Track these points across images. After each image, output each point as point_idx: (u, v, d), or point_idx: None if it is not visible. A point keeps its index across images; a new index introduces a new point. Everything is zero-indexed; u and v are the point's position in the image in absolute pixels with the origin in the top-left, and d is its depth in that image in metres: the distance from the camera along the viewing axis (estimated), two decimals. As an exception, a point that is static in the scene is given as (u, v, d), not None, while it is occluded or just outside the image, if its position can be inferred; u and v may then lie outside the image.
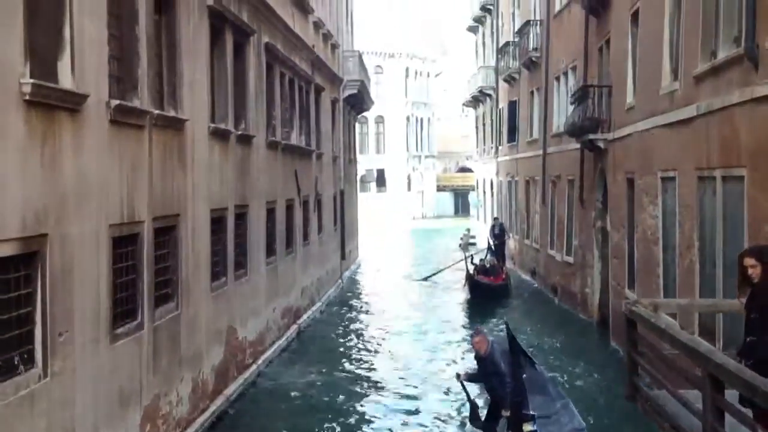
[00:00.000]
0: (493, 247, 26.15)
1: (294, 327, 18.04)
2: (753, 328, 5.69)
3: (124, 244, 8.93)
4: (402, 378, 14.52)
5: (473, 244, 37.17)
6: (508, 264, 27.38)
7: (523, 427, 9.10)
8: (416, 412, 12.49)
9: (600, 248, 18.14)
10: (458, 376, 10.09)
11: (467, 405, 10.26)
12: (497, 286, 22.96)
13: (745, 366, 5.53)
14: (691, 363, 6.59)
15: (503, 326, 11.80)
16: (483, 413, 9.78)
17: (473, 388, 10.65)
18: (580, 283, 19.78)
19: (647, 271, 13.51)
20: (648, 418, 7.57)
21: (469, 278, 21.91)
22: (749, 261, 5.87)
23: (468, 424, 10.25)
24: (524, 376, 9.75)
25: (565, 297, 21.33)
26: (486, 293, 21.90)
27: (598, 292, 18.20)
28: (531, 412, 9.28)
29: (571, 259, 20.80)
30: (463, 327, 19.16)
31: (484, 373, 9.49)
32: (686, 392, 6.63)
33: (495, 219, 30.49)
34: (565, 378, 14.13)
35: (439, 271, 27.71)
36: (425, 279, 27.07)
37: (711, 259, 10.19)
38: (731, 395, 5.72)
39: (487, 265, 23.72)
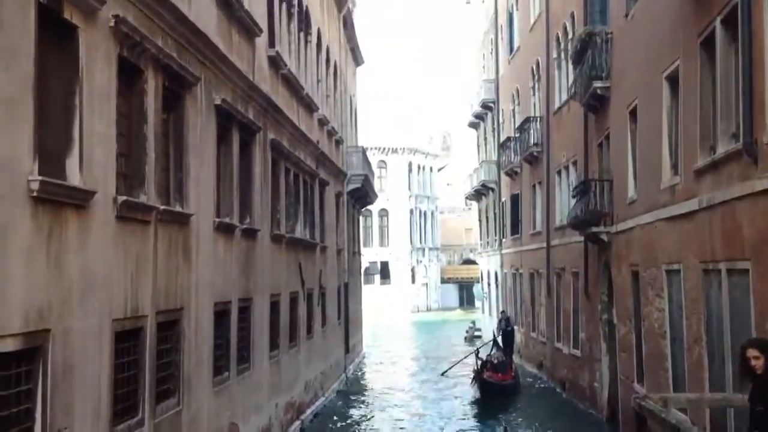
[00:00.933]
0: (500, 341, 25.81)
1: (297, 423, 17.70)
2: (760, 421, 5.59)
3: (126, 339, 8.86)
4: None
5: (479, 336, 36.87)
6: (515, 357, 27.00)
7: None
8: None
9: (607, 341, 17.95)
10: None
11: None
12: (507, 385, 22.22)
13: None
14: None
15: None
16: None
17: None
18: (588, 376, 19.49)
19: (656, 365, 13.33)
20: None
21: (478, 377, 21.08)
22: (752, 353, 5.82)
23: None
24: None
25: (574, 391, 20.97)
26: (496, 392, 21.08)
27: (607, 386, 17.90)
28: None
29: (578, 353, 20.55)
30: (472, 429, 18.72)
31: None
32: (700, 491, 6.47)
33: (502, 312, 30.10)
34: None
35: (457, 363, 26.96)
36: (443, 374, 26.37)
37: (719, 352, 10.07)
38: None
39: (495, 361, 23.00)
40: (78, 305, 7.60)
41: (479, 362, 22.39)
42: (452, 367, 26.76)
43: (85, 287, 7.76)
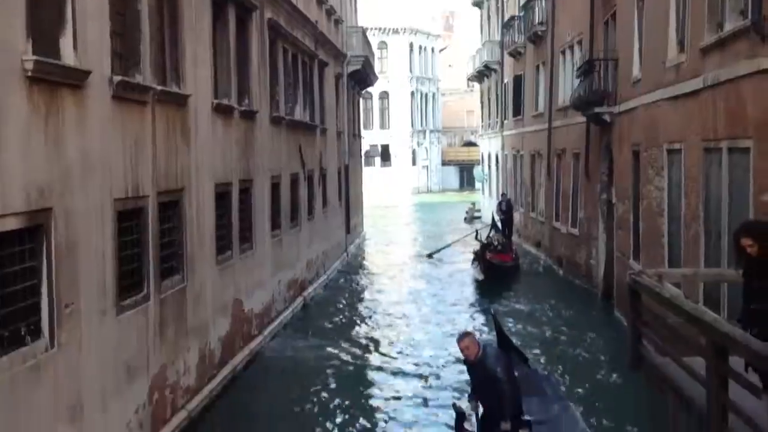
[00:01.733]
0: (499, 223, 25.99)
1: (299, 299, 18.13)
2: (758, 296, 5.70)
3: (129, 218, 8.95)
4: (411, 347, 14.61)
5: (478, 217, 37.19)
6: (513, 237, 27.35)
7: None
8: (424, 378, 12.58)
9: (605, 220, 18.13)
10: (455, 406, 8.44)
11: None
12: (510, 267, 22.29)
13: (750, 334, 5.54)
14: (695, 332, 6.62)
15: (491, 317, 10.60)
16: (472, 424, 8.12)
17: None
18: (585, 254, 19.81)
19: (652, 242, 13.52)
20: (651, 386, 7.62)
21: (482, 259, 20.88)
22: (746, 241, 5.87)
23: None
24: (516, 374, 8.35)
25: (570, 269, 21.36)
26: (498, 273, 20.99)
27: (603, 264, 18.22)
28: (526, 417, 7.91)
29: (576, 231, 20.80)
30: (472, 305, 19.11)
31: (476, 381, 7.94)
32: (691, 359, 6.67)
33: (503, 195, 30.17)
34: (569, 349, 14.19)
35: (446, 247, 27.50)
36: (430, 255, 26.54)
37: (716, 230, 10.19)
38: (735, 363, 5.75)
39: (495, 243, 22.83)
40: (78, 185, 7.64)
41: (480, 244, 22.47)
42: (444, 248, 27.04)
43: (85, 167, 7.77)
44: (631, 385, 10.64)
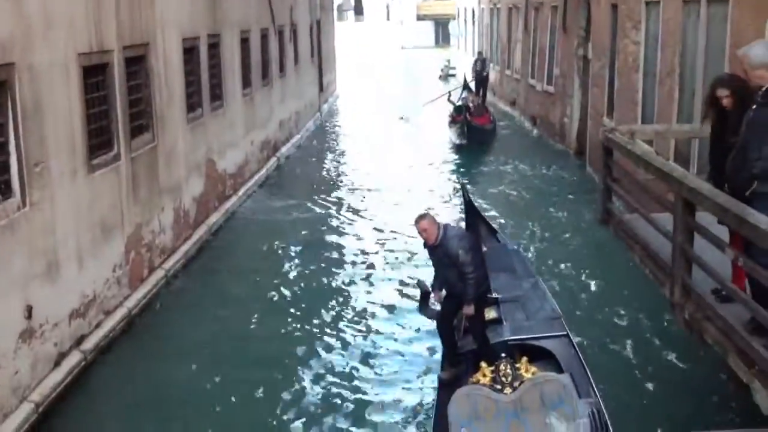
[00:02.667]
0: (472, 84, 25.19)
1: (273, 159, 18.08)
2: (727, 151, 5.73)
3: (94, 74, 8.72)
4: (385, 209, 14.73)
5: (453, 75, 36.69)
6: (488, 96, 27.02)
7: (485, 314, 7.31)
8: (397, 237, 12.75)
9: (580, 77, 17.98)
10: (439, 299, 7.46)
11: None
12: (490, 130, 21.47)
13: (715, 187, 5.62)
14: (665, 188, 6.70)
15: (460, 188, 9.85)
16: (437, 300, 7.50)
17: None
18: (559, 112, 19.77)
19: (626, 99, 13.48)
20: (618, 240, 7.79)
21: (465, 121, 19.72)
22: (722, 92, 5.82)
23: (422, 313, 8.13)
24: (484, 249, 7.81)
25: (544, 127, 21.38)
26: (478, 137, 20.12)
27: (576, 121, 18.23)
28: (494, 295, 7.51)
29: (551, 89, 20.66)
30: (449, 168, 19.05)
31: (438, 264, 7.22)
32: (658, 215, 6.78)
33: (479, 54, 29.33)
34: (542, 208, 14.41)
35: (422, 106, 26.68)
36: (402, 118, 25.56)
37: (690, 85, 10.15)
38: (701, 217, 5.86)
39: (471, 105, 21.40)
40: (41, 39, 7.39)
41: (453, 106, 21.88)
42: (420, 107, 26.19)
43: (46, 21, 7.50)
44: (599, 240, 10.89)
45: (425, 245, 7.15)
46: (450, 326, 7.28)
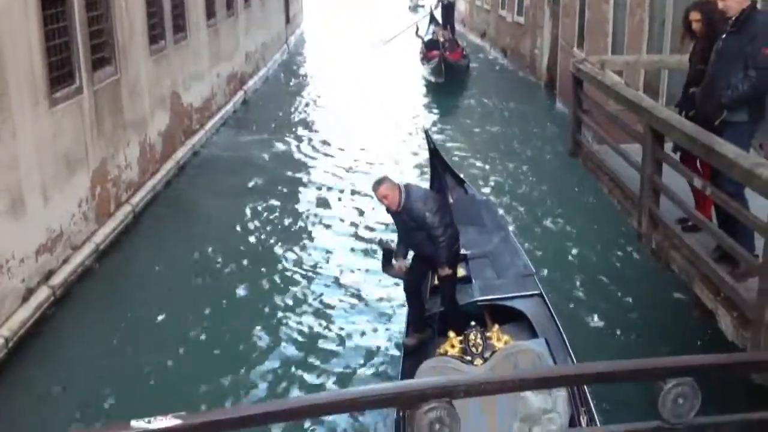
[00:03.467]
0: (440, 16, 24.46)
1: (240, 93, 17.80)
2: (697, 79, 5.73)
3: (53, 5, 8.43)
4: (355, 144, 14.63)
5: (422, 6, 36.13)
6: (458, 27, 26.61)
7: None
8: (367, 165, 12.70)
9: (551, 7, 17.81)
10: (400, 269, 6.78)
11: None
12: (465, 66, 20.42)
13: (685, 117, 5.63)
14: (634, 119, 6.70)
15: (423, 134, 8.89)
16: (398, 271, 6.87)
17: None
18: (529, 44, 19.62)
19: (596, 30, 13.40)
20: (589, 172, 7.82)
21: (442, 60, 18.58)
22: (695, 15, 5.79)
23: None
24: (451, 201, 7.45)
25: (515, 59, 21.23)
26: (454, 74, 19.09)
27: (547, 53, 18.12)
28: (462, 251, 6.89)
29: (521, 20, 20.47)
30: (417, 99, 18.88)
31: (403, 230, 6.58)
32: (627, 146, 6.80)
33: None
34: (513, 141, 14.42)
35: (394, 38, 25.96)
36: (374, 48, 24.46)
37: (660, 17, 10.09)
38: (669, 148, 5.88)
39: (441, 39, 20.18)
40: (-7, -34, 7.09)
41: (423, 43, 21.09)
42: (392, 38, 25.44)
43: (-2, -54, 7.18)
44: (569, 171, 10.93)
45: (388, 211, 6.46)
46: (418, 290, 6.72)
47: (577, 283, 8.56)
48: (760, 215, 4.44)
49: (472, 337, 5.45)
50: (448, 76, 18.75)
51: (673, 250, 5.52)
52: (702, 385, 1.46)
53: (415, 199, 6.26)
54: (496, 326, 5.73)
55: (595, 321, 7.72)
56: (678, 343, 6.79)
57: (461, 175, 8.91)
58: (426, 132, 9.46)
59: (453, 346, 5.54)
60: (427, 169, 9.44)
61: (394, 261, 6.80)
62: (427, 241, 6.34)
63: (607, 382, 1.53)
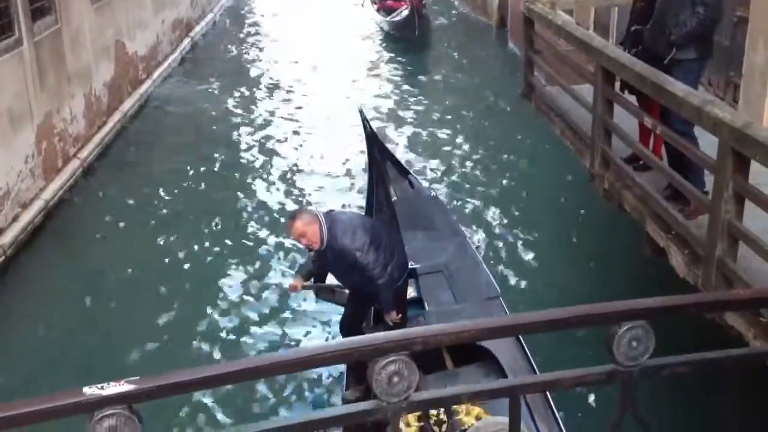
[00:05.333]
0: None
1: (187, 40, 17.37)
2: (639, 16, 5.74)
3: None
4: (304, 90, 14.44)
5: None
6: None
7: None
8: (317, 120, 12.58)
9: (500, -53, 17.60)
10: (294, 288, 5.69)
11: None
12: (425, 15, 17.91)
13: (630, 54, 5.64)
14: (585, 59, 6.70)
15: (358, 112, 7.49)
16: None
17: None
18: (479, -15, 19.43)
19: (546, -30, 13.28)
20: (540, 114, 7.84)
21: (414, 13, 16.67)
22: None
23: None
24: (394, 199, 6.43)
25: (466, 1, 21.04)
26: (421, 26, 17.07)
27: (497, -6, 17.97)
28: (410, 264, 5.69)
29: (471, -40, 20.21)
30: (369, 49, 18.61)
31: (334, 268, 5.43)
32: (579, 87, 6.82)
33: None
34: (464, 84, 14.35)
35: None
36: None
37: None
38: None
39: None
40: None
41: None
42: None
43: None
44: (521, 114, 10.93)
45: (309, 249, 5.27)
46: (359, 331, 5.47)
47: (530, 227, 8.63)
48: (709, 153, 4.50)
49: (433, 413, 4.07)
50: (420, 28, 16.90)
51: (625, 190, 5.59)
52: (655, 328, 1.48)
53: (341, 234, 5.03)
54: (468, 408, 4.31)
55: (548, 264, 7.82)
56: (631, 283, 6.93)
57: (405, 165, 7.74)
58: (361, 112, 7.39)
59: (408, 425, 4.21)
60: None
61: (299, 279, 5.61)
62: (365, 280, 5.14)
63: (562, 329, 1.55)
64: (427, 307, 5.79)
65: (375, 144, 7.12)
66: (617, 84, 5.89)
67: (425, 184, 8.59)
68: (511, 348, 5.13)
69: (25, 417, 1.24)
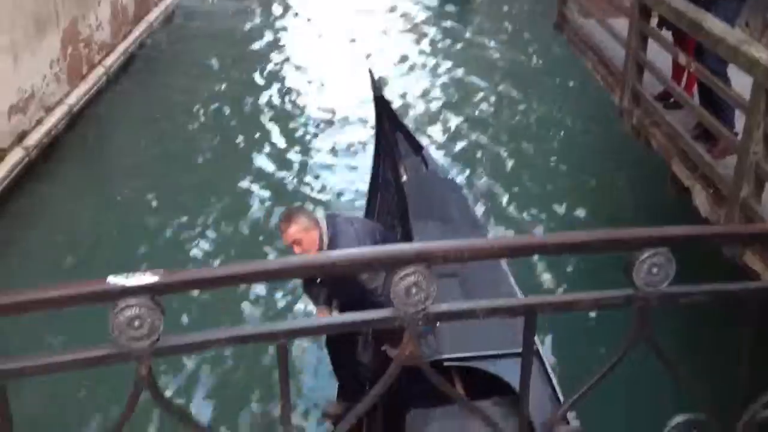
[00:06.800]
0: None
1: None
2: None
3: None
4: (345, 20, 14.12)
5: None
6: None
7: None
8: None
9: None
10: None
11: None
12: None
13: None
14: (622, -9, 6.55)
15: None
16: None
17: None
18: None
19: None
20: (573, 48, 7.70)
21: None
22: None
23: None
24: (404, 180, 5.43)
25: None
26: None
27: None
28: None
29: None
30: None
31: (326, 283, 4.47)
32: (613, 21, 6.67)
33: None
34: (494, 17, 13.95)
35: None
36: None
37: None
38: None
39: None
40: None
41: None
42: None
43: None
44: (553, 47, 10.73)
45: None
46: (350, 356, 4.67)
47: (556, 161, 8.58)
48: (742, 93, 4.42)
49: None
50: None
51: (654, 127, 5.53)
52: (677, 260, 1.48)
53: (345, 243, 4.08)
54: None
55: (568, 200, 7.78)
56: (652, 222, 6.89)
57: (419, 140, 6.31)
58: (370, 72, 6.16)
59: None
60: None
61: (315, 302, 4.60)
62: (365, 300, 4.03)
63: (583, 253, 1.55)
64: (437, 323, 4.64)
65: (384, 110, 5.98)
66: (653, 20, 5.77)
67: (439, 160, 7.52)
68: (537, 379, 4.02)
69: (50, 301, 1.26)
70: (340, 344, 4.51)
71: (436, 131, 9.33)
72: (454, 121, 9.53)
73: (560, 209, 7.60)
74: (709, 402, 1.62)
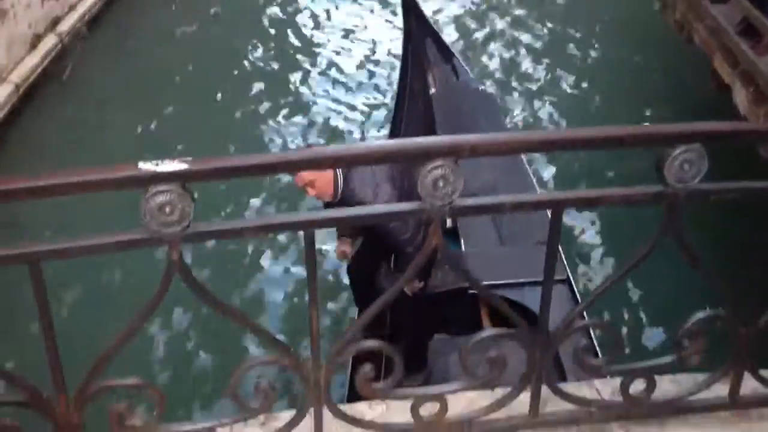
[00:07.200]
0: None
1: None
2: None
3: None
4: None
5: None
6: None
7: None
8: None
9: None
10: (344, 255, 4.23)
11: None
12: None
13: None
14: None
15: None
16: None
17: None
18: None
19: None
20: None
21: None
22: None
23: None
24: (432, 91, 5.04)
25: None
26: None
27: None
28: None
29: None
30: None
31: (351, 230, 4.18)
32: None
33: None
34: None
35: None
36: None
37: None
38: None
39: None
40: None
41: None
42: None
43: None
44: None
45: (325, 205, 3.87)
46: (374, 291, 3.98)
47: (594, 56, 8.33)
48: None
49: None
50: None
51: (697, 21, 5.35)
52: (710, 156, 1.45)
53: (359, 185, 3.64)
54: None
55: (608, 93, 7.61)
56: (691, 118, 6.73)
57: (450, 46, 5.71)
58: None
59: None
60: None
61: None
62: (385, 245, 3.84)
63: (616, 148, 1.52)
64: (463, 247, 4.52)
65: (412, 12, 5.35)
66: None
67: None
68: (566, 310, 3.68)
69: (83, 185, 1.29)
70: (362, 278, 4.24)
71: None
72: (489, 17, 9.23)
73: (597, 105, 7.46)
74: (732, 299, 1.63)
